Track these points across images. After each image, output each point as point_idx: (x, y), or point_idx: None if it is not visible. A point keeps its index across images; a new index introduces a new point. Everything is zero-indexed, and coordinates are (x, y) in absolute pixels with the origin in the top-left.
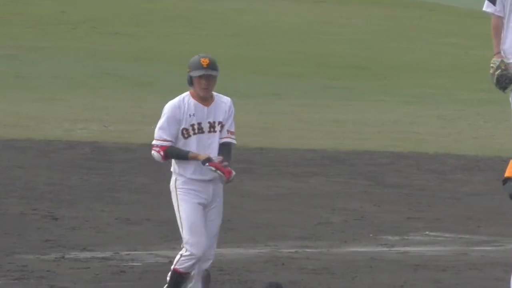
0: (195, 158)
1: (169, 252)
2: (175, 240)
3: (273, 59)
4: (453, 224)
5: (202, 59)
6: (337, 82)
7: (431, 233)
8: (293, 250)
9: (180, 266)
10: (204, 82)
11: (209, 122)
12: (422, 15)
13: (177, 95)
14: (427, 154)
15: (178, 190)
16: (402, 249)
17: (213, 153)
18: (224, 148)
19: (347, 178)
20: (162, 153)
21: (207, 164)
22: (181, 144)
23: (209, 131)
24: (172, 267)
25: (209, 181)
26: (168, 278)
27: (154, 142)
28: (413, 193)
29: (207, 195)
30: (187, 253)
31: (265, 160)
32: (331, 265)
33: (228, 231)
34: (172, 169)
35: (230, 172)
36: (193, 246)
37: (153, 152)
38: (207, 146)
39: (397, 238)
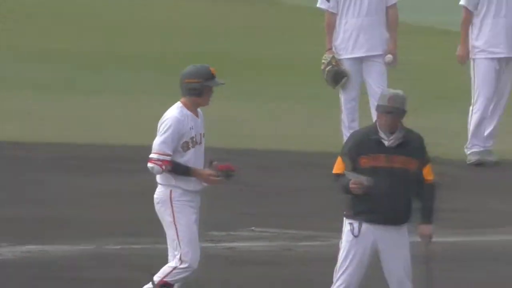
0: (199, 175)
1: None
2: None
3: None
4: (279, 219)
5: (212, 69)
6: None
7: (257, 229)
8: (118, 247)
9: (172, 279)
10: (211, 93)
11: (200, 134)
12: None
13: None
14: (256, 150)
15: (174, 202)
16: (228, 244)
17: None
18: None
19: None
20: (164, 167)
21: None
22: (178, 157)
23: (200, 142)
24: (159, 279)
25: (198, 192)
26: None
27: (154, 156)
28: (241, 189)
29: (196, 206)
30: (184, 265)
31: (94, 156)
32: (155, 262)
33: (56, 228)
34: (160, 180)
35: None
36: (193, 259)
37: (152, 165)
38: (200, 157)
39: (223, 233)
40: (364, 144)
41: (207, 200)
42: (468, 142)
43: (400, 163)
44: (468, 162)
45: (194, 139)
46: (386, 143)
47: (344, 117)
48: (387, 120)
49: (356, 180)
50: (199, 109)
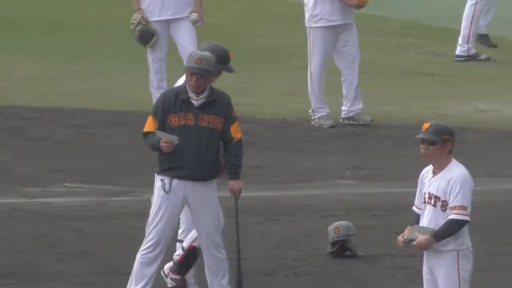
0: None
1: None
2: None
3: None
4: (92, 176)
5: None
6: None
7: (71, 185)
8: None
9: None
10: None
11: None
12: None
13: None
14: (68, 109)
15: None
16: (43, 200)
17: None
18: None
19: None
20: None
21: None
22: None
23: None
24: (187, 244)
25: None
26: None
27: None
28: (54, 146)
29: None
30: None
31: None
32: None
33: None
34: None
35: None
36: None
37: None
38: None
39: (38, 189)
40: (173, 104)
41: (18, 157)
42: (312, 107)
43: (208, 122)
44: (324, 126)
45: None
46: (194, 102)
47: (152, 76)
48: (195, 80)
49: (167, 139)
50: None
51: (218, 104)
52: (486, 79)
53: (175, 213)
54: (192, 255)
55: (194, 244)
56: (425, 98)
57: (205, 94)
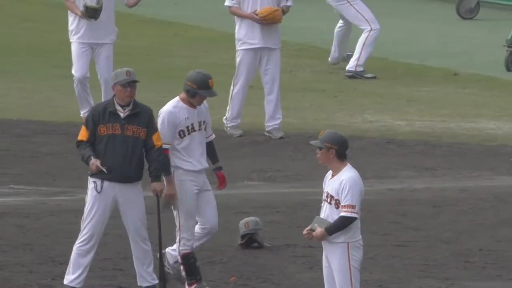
0: (169, 183)
1: None
2: None
3: None
4: (34, 178)
5: (210, 80)
6: None
7: (15, 186)
8: None
9: (184, 248)
10: (204, 99)
11: (199, 122)
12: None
13: None
14: (11, 120)
15: (177, 181)
16: None
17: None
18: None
19: None
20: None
21: None
22: (177, 143)
23: (199, 129)
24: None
25: (201, 170)
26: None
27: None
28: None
29: (199, 184)
30: (184, 234)
31: None
32: None
33: None
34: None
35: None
36: (188, 230)
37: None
38: (198, 142)
39: None
40: (102, 116)
41: None
42: (227, 116)
43: (132, 131)
44: (234, 136)
45: (190, 128)
46: (121, 114)
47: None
48: (130, 91)
49: (99, 167)
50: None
51: (141, 115)
52: (372, 94)
53: (106, 210)
54: (188, 260)
55: (182, 253)
56: (318, 111)
57: (130, 107)
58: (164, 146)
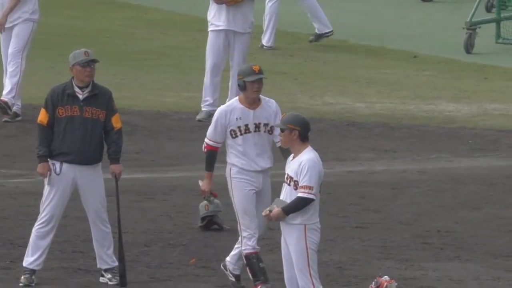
0: (206, 178)
1: None
2: None
3: None
4: None
5: (255, 66)
6: None
7: None
8: None
9: (247, 249)
10: (256, 86)
11: (255, 124)
12: None
13: None
14: None
15: (232, 179)
16: None
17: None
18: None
19: None
20: (205, 150)
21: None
22: (230, 141)
23: (255, 131)
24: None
25: (259, 171)
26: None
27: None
28: None
29: (257, 183)
30: (246, 233)
31: None
32: None
33: None
34: (227, 159)
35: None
36: (249, 226)
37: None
38: (252, 144)
39: None
40: (61, 98)
41: None
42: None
43: (91, 113)
44: (197, 117)
45: (242, 128)
46: (80, 96)
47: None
48: (90, 70)
49: (45, 174)
50: (268, 103)
51: (100, 97)
52: (332, 77)
53: (65, 192)
54: (250, 260)
55: (245, 252)
56: (279, 93)
57: (89, 89)
58: (208, 142)
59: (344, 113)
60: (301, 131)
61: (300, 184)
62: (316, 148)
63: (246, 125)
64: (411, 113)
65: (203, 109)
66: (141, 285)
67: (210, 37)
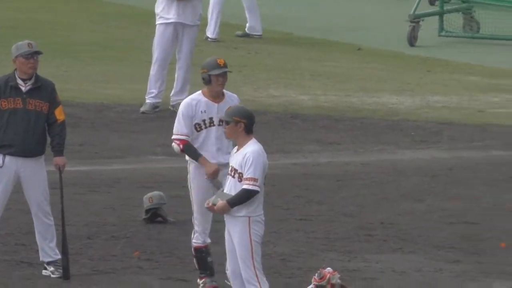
0: (203, 165)
1: None
2: None
3: None
4: None
5: (219, 60)
6: None
7: None
8: None
9: (197, 242)
10: (221, 79)
11: (217, 117)
12: None
13: None
14: None
15: (191, 174)
16: None
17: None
18: None
19: None
20: (181, 146)
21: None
22: (193, 136)
23: (217, 125)
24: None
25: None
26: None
27: (173, 136)
28: None
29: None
30: (196, 228)
31: None
32: None
33: None
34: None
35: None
36: (199, 224)
37: (173, 144)
38: (212, 137)
39: None
40: (3, 90)
41: None
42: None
43: (34, 106)
44: (141, 110)
45: (207, 121)
46: (23, 88)
47: None
48: (34, 62)
49: None
50: (231, 97)
51: (43, 90)
52: (277, 69)
53: (8, 185)
54: (200, 253)
55: (195, 245)
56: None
57: (32, 81)
58: (179, 137)
59: (288, 105)
60: (246, 123)
61: (244, 176)
62: (260, 140)
63: (211, 118)
64: (355, 105)
65: (147, 101)
66: (84, 278)
67: (159, 30)
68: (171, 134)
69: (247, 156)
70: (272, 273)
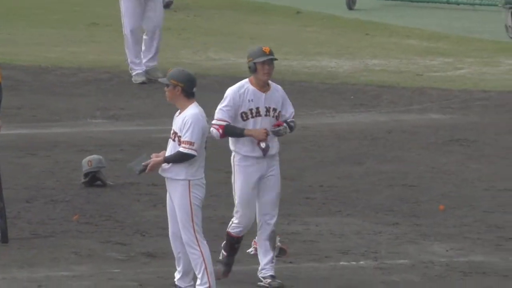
0: (251, 134)
1: None
2: None
3: None
4: None
5: (264, 48)
6: None
7: None
8: None
9: (232, 230)
10: (266, 68)
11: (266, 107)
12: None
13: None
14: None
15: (236, 166)
16: None
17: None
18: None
19: None
20: (220, 131)
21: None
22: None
23: (265, 115)
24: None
25: (262, 157)
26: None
27: (213, 121)
28: None
29: (262, 170)
30: (236, 221)
31: None
32: None
33: None
34: (230, 146)
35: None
36: (241, 217)
37: (211, 129)
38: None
39: None
40: None
41: None
42: (128, 63)
43: None
44: (135, 82)
45: (253, 111)
46: None
47: None
48: None
49: None
50: (276, 88)
51: None
52: (216, 33)
53: None
54: (232, 240)
55: (228, 230)
56: (163, 49)
57: None
58: (219, 122)
59: (227, 69)
60: (184, 87)
61: (182, 139)
62: (199, 104)
63: (257, 108)
64: (294, 69)
65: (136, 72)
66: (23, 242)
67: (125, 3)
68: (111, 97)
69: (186, 119)
70: (213, 236)
